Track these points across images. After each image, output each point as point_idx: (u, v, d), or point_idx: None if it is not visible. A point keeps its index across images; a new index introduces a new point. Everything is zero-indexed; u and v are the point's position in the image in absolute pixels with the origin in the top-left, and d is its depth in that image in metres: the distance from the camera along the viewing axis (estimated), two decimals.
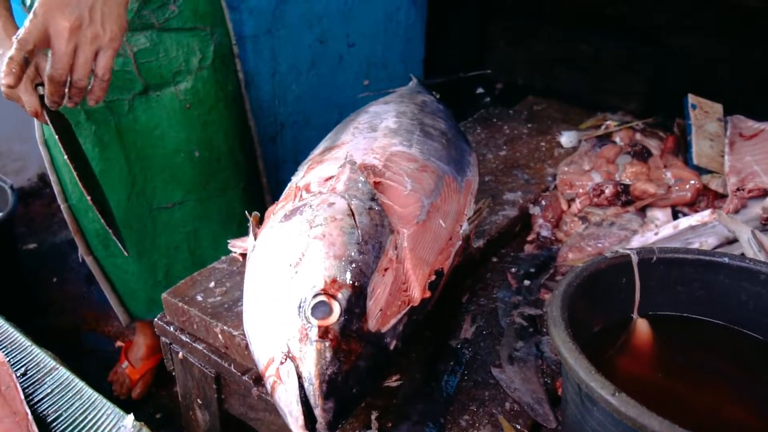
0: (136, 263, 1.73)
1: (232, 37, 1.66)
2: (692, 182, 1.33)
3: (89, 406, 0.97)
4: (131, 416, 0.92)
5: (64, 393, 1.00)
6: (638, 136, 1.60)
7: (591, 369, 0.65)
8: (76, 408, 0.96)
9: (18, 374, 1.01)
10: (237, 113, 1.73)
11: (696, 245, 1.16)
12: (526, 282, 1.25)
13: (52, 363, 1.07)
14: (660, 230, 1.22)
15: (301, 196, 0.97)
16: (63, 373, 1.04)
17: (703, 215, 1.18)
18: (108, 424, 0.93)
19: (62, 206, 1.68)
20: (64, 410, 0.96)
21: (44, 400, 0.97)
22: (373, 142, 1.11)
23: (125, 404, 1.79)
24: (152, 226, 1.68)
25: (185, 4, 1.48)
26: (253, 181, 1.83)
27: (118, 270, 1.76)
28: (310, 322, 0.78)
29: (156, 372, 2.13)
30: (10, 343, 1.10)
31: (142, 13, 1.42)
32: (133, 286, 1.79)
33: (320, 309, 0.79)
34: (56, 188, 1.67)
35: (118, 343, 2.29)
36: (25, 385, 0.99)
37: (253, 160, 1.84)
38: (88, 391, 1.01)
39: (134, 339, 2.16)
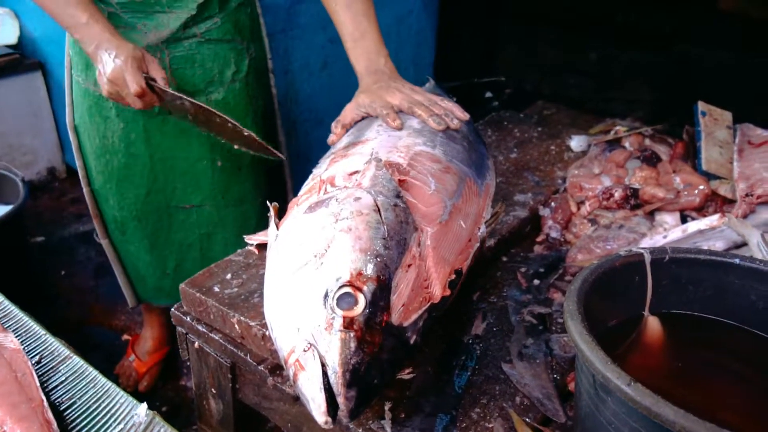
0: (149, 253, 1.77)
1: (268, 52, 1.68)
2: (701, 187, 1.35)
3: (103, 394, 0.98)
4: (144, 405, 0.93)
5: (78, 381, 1.01)
6: (648, 141, 1.62)
7: (607, 360, 0.66)
8: (90, 396, 0.97)
9: (33, 362, 1.02)
10: (266, 129, 1.74)
11: (704, 248, 1.17)
12: (536, 281, 1.27)
13: (66, 352, 1.08)
14: (669, 234, 1.24)
15: (325, 189, 0.98)
16: (77, 361, 1.06)
17: (712, 219, 1.20)
18: (121, 413, 0.93)
19: (85, 190, 1.74)
20: (78, 398, 0.97)
21: (58, 388, 0.98)
22: (398, 141, 1.12)
23: (132, 397, 1.80)
24: (168, 222, 1.71)
25: (227, 16, 1.52)
26: (274, 195, 1.82)
27: (130, 256, 1.81)
28: (335, 313, 0.79)
29: (162, 365, 2.15)
30: (25, 332, 1.11)
31: (188, 23, 1.48)
32: (142, 273, 1.84)
33: (346, 300, 0.80)
34: (81, 172, 1.73)
35: (125, 337, 2.31)
36: (40, 373, 1.00)
37: (278, 177, 1.85)
38: (102, 380, 1.02)
39: (141, 332, 2.19)
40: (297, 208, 0.98)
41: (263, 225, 1.78)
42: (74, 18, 1.32)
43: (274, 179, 1.85)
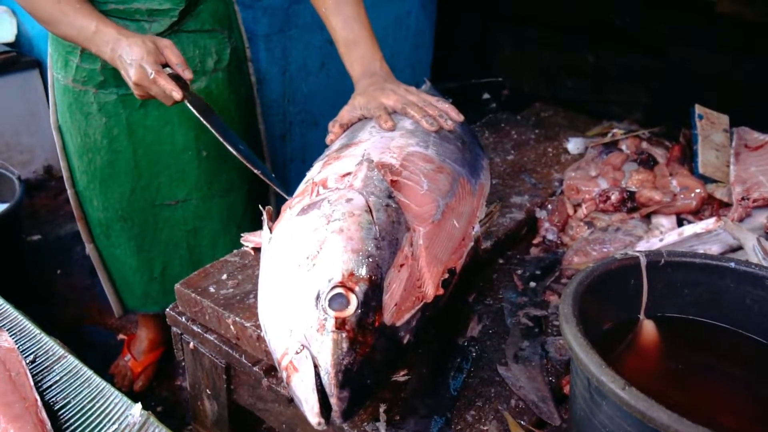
0: (135, 257, 1.75)
1: (245, 40, 1.68)
2: (697, 191, 1.35)
3: (97, 394, 0.98)
4: (138, 405, 0.93)
5: (72, 381, 1.01)
6: (644, 144, 1.62)
7: (602, 364, 0.67)
8: (84, 396, 0.97)
9: (27, 361, 1.02)
10: (247, 116, 1.74)
11: (700, 252, 1.18)
12: (532, 284, 1.27)
13: (61, 351, 1.08)
14: (665, 237, 1.24)
15: (318, 191, 0.98)
16: (71, 361, 1.06)
17: (708, 223, 1.20)
18: (116, 413, 0.93)
19: (69, 191, 1.72)
20: (73, 398, 0.97)
21: (53, 388, 0.98)
22: (390, 142, 1.12)
23: (127, 397, 1.80)
24: (154, 221, 1.70)
25: (204, 6, 1.50)
26: (258, 183, 1.84)
27: (116, 261, 1.79)
28: (327, 314, 0.80)
29: (158, 365, 2.14)
30: (19, 331, 1.11)
31: (173, 26, 1.47)
32: (129, 279, 1.81)
33: (338, 301, 0.80)
34: (65, 173, 1.71)
35: (121, 336, 2.30)
36: (34, 372, 1.00)
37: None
38: (96, 380, 1.02)
39: (136, 332, 2.18)
40: (290, 210, 0.98)
41: (250, 213, 1.80)
42: (83, 30, 1.29)
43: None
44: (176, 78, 1.26)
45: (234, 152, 1.25)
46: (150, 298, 1.84)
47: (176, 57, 1.28)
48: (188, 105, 1.27)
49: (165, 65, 1.27)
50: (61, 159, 1.70)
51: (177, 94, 1.24)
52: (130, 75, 1.25)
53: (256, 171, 1.23)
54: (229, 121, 1.64)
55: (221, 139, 1.26)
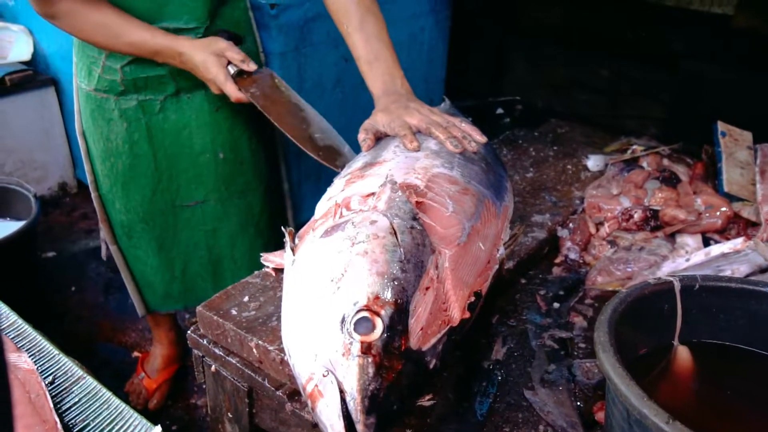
0: (156, 256, 1.79)
1: (259, 45, 1.71)
2: (723, 209, 1.33)
3: (116, 415, 0.98)
4: (158, 428, 0.93)
5: (91, 402, 1.01)
6: (666, 161, 1.60)
7: (643, 396, 0.65)
8: (104, 417, 0.97)
9: (46, 383, 1.02)
10: (262, 118, 1.76)
11: (728, 272, 1.15)
12: (556, 304, 1.25)
13: (80, 372, 1.08)
14: (691, 257, 1.22)
15: (341, 213, 0.97)
16: (90, 382, 1.05)
17: (736, 243, 1.18)
18: None
19: (93, 195, 1.77)
20: (92, 419, 0.97)
21: (72, 409, 0.98)
22: (415, 162, 1.11)
23: (142, 415, 1.79)
24: (174, 222, 1.74)
25: (220, 14, 1.54)
26: (273, 185, 1.88)
27: (138, 261, 1.83)
28: (352, 338, 0.78)
29: (171, 383, 2.13)
30: (38, 352, 1.11)
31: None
32: (150, 278, 1.85)
33: (363, 325, 0.79)
34: (89, 177, 1.76)
35: (135, 354, 2.30)
36: (53, 394, 1.00)
37: (275, 165, 1.87)
38: (115, 401, 1.02)
39: (150, 350, 2.17)
40: (313, 232, 0.97)
41: (267, 214, 1.84)
42: (143, 47, 1.41)
43: (274, 168, 1.88)
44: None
45: (301, 146, 1.37)
46: (171, 298, 1.87)
47: (237, 55, 1.42)
48: (252, 100, 1.42)
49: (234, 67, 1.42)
50: (86, 163, 1.74)
51: (237, 95, 1.42)
52: (212, 89, 1.44)
53: (326, 164, 1.34)
54: (245, 123, 1.68)
55: (288, 136, 1.40)
